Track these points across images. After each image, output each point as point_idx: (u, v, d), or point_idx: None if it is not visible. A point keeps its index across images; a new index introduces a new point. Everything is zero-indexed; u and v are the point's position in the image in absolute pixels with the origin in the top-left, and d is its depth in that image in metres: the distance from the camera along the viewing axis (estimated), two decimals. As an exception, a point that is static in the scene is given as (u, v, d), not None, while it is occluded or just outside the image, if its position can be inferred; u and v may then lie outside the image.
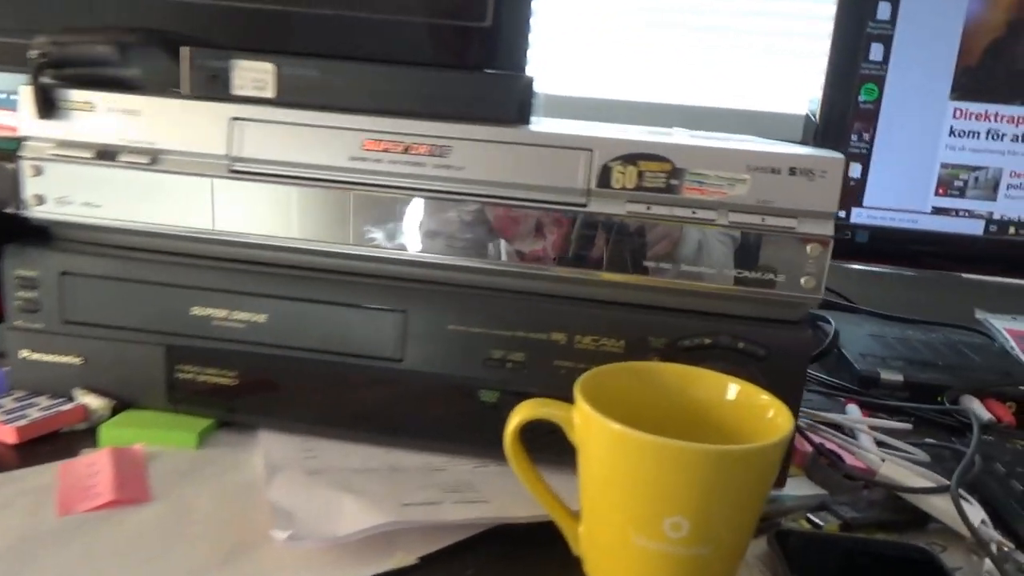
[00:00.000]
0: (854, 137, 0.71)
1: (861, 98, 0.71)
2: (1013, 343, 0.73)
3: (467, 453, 0.46)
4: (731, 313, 0.44)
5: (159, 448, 0.45)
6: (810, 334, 0.44)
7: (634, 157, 0.43)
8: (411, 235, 0.45)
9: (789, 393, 0.43)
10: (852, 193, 0.72)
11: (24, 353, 0.48)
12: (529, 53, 0.60)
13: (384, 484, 0.42)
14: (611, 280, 0.44)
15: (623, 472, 0.33)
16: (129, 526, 0.37)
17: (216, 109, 0.45)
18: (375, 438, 0.47)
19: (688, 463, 0.32)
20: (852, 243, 0.73)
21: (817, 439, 0.49)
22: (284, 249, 0.46)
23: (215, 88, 0.45)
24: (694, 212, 0.43)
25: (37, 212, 0.47)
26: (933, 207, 0.72)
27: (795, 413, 0.44)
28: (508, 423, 0.37)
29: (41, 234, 0.49)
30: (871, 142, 0.71)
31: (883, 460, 0.47)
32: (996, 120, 0.70)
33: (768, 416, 0.37)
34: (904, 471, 0.46)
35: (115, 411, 0.48)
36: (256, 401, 0.47)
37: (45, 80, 0.46)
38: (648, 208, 0.43)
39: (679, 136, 0.46)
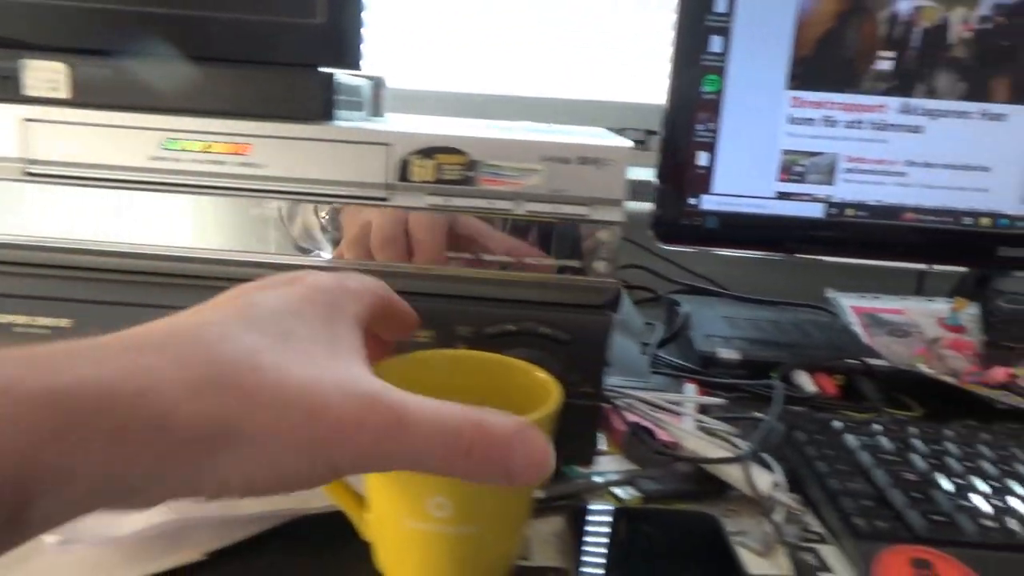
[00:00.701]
0: (700, 127, 0.74)
1: (704, 88, 0.73)
2: (855, 319, 0.77)
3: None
4: (537, 300, 0.46)
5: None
6: (610, 317, 0.45)
7: (431, 151, 0.44)
8: (214, 234, 0.45)
9: (591, 374, 0.45)
10: (701, 181, 0.75)
11: None
12: (370, 49, 0.60)
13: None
14: (415, 272, 0.45)
15: None
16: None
17: (7, 111, 0.44)
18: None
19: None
20: (704, 229, 0.76)
21: (633, 418, 0.51)
22: (85, 252, 0.45)
23: (5, 89, 0.44)
24: (491, 203, 0.44)
25: None
26: (777, 192, 0.75)
27: (598, 393, 0.46)
28: None
29: None
30: (715, 131, 0.74)
31: (689, 434, 0.49)
32: (830, 107, 0.73)
33: (545, 394, 0.38)
34: (707, 444, 0.48)
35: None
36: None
37: None
38: (447, 200, 0.44)
39: (478, 129, 0.48)
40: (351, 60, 0.59)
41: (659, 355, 0.69)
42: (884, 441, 0.50)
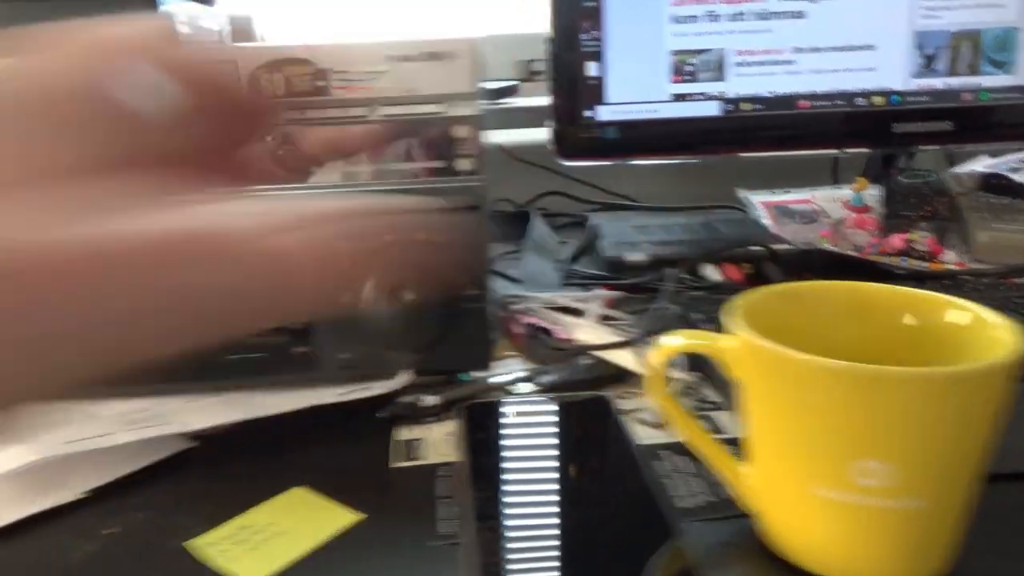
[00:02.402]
0: (584, 36, 0.73)
1: (585, -3, 0.72)
2: (763, 212, 0.78)
3: (181, 392, 0.46)
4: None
5: None
6: (485, 216, 0.45)
7: (278, 63, 0.42)
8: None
9: (475, 276, 0.45)
10: (594, 92, 0.74)
11: None
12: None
13: (62, 431, 0.40)
14: (281, 190, 0.44)
15: (802, 409, 0.28)
16: None
17: None
18: (87, 393, 0.46)
19: (890, 391, 0.26)
20: (604, 141, 0.76)
21: (531, 320, 0.51)
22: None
23: None
24: (346, 111, 0.43)
25: None
26: (671, 94, 0.75)
27: (484, 297, 0.45)
28: (651, 359, 0.32)
29: None
30: (601, 39, 0.73)
31: (585, 328, 0.49)
32: (712, 2, 0.73)
33: (987, 335, 0.29)
34: (602, 334, 0.48)
35: None
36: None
37: None
38: (303, 113, 0.43)
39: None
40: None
41: (572, 269, 0.69)
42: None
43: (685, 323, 0.50)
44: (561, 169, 0.85)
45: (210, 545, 0.32)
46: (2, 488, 0.35)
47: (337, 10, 1.00)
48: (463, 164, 0.43)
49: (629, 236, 0.73)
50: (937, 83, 0.76)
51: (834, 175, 0.92)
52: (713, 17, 0.73)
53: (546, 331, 0.51)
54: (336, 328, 0.45)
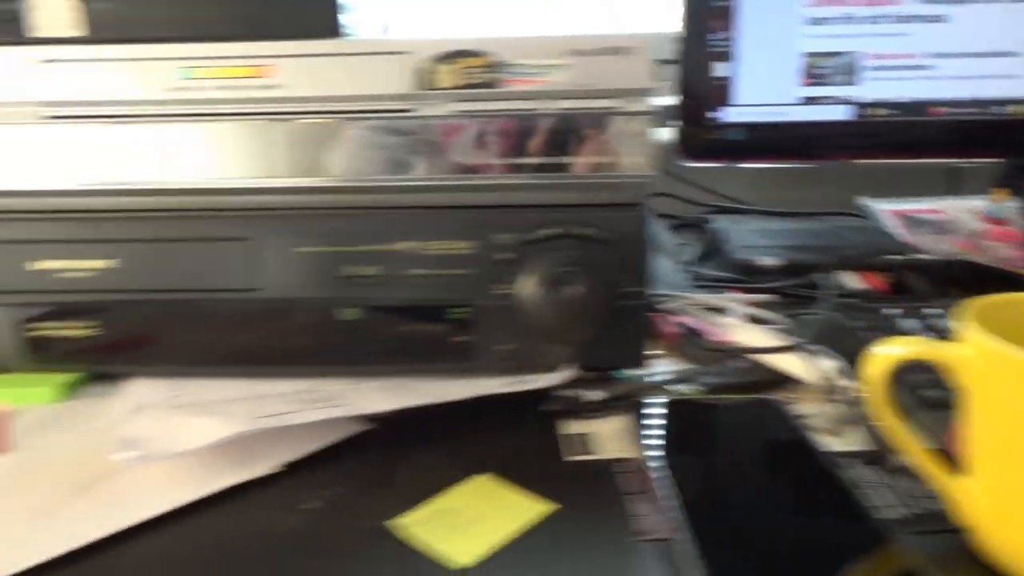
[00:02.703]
0: (715, 36, 0.72)
1: (718, -3, 0.71)
2: (893, 222, 0.76)
3: (339, 375, 0.47)
4: (572, 203, 0.45)
5: (22, 406, 0.44)
6: (645, 212, 0.44)
7: (452, 55, 0.42)
8: (243, 161, 0.44)
9: (632, 273, 0.44)
10: (721, 93, 0.73)
11: None
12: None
13: (246, 407, 0.41)
14: (447, 184, 0.44)
15: None
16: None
17: (20, 53, 0.43)
18: (247, 371, 0.47)
19: None
20: (729, 142, 0.75)
21: (683, 320, 0.51)
22: (117, 193, 0.45)
23: (12, 30, 0.44)
24: (518, 104, 0.43)
25: None
26: (801, 97, 0.73)
27: (642, 292, 0.45)
28: (873, 366, 0.32)
29: None
30: (732, 39, 0.72)
31: (743, 329, 0.48)
32: (849, 3, 0.71)
33: None
34: (761, 336, 0.47)
35: (-23, 381, 0.47)
36: (121, 350, 0.46)
37: None
38: (474, 105, 0.43)
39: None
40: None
41: (698, 271, 0.68)
42: (942, 324, 0.49)
43: (846, 332, 0.49)
44: (668, 170, 0.84)
45: (414, 525, 0.32)
46: (198, 460, 0.36)
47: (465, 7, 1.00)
48: (634, 160, 0.43)
49: (755, 240, 0.72)
50: (1083, 91, 0.72)
51: (949, 186, 0.89)
52: (849, 19, 0.71)
53: (697, 331, 0.50)
54: (496, 319, 0.45)
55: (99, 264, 0.45)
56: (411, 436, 0.40)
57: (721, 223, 0.75)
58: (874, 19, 0.72)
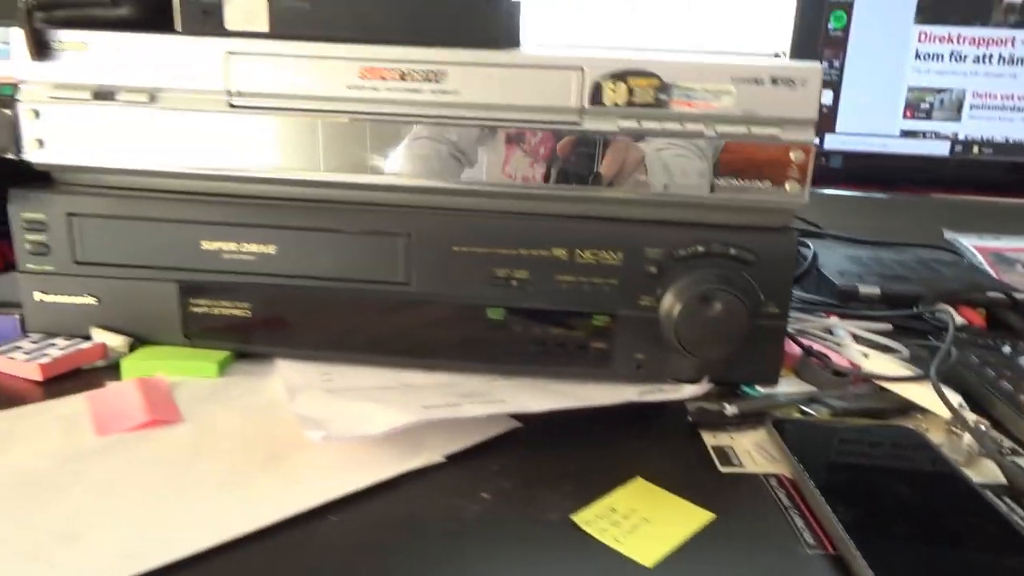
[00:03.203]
0: (825, 64, 0.73)
1: (830, 25, 0.73)
2: (981, 258, 0.77)
3: (477, 370, 0.49)
4: (720, 223, 0.46)
5: (180, 378, 0.46)
6: (794, 237, 0.46)
7: (624, 74, 0.44)
8: (411, 160, 0.46)
9: (778, 295, 0.46)
10: (825, 119, 0.75)
11: (38, 296, 0.49)
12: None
13: (402, 396, 0.44)
14: (607, 196, 0.46)
15: None
16: (166, 442, 0.39)
17: (211, 44, 0.45)
18: (388, 361, 0.49)
19: None
20: (827, 168, 0.76)
21: (806, 342, 0.52)
22: (290, 182, 0.47)
23: (208, 24, 0.46)
24: (683, 125, 0.45)
25: (38, 156, 0.48)
26: (901, 130, 0.75)
27: (784, 316, 0.47)
28: None
29: (45, 178, 0.49)
30: (841, 68, 0.73)
31: (867, 356, 0.50)
32: (958, 42, 0.73)
33: None
34: (887, 364, 0.49)
35: (131, 348, 0.49)
36: (270, 331, 0.49)
37: (37, 23, 0.46)
38: (639, 123, 0.45)
39: (665, 53, 0.48)
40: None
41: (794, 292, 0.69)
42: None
43: (965, 367, 0.50)
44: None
45: (591, 522, 0.34)
46: (365, 447, 0.38)
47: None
48: (792, 187, 0.45)
49: (846, 266, 0.73)
50: None
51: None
52: (958, 57, 0.73)
53: (818, 354, 0.52)
54: (636, 330, 0.47)
55: (261, 248, 0.47)
56: (559, 437, 0.42)
57: (811, 246, 0.77)
58: (983, 59, 0.73)
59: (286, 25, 0.46)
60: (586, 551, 0.33)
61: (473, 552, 0.32)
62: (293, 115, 0.46)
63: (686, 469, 0.40)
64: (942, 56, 0.73)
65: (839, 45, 0.73)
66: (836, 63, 0.73)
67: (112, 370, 0.47)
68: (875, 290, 0.66)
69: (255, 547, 0.32)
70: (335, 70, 0.45)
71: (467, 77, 0.45)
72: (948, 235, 0.83)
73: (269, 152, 0.46)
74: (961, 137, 0.75)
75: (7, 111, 0.48)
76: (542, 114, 0.45)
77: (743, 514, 0.36)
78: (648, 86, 0.44)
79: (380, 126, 0.46)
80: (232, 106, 0.46)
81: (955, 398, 0.46)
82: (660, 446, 0.42)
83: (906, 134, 0.75)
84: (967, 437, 0.43)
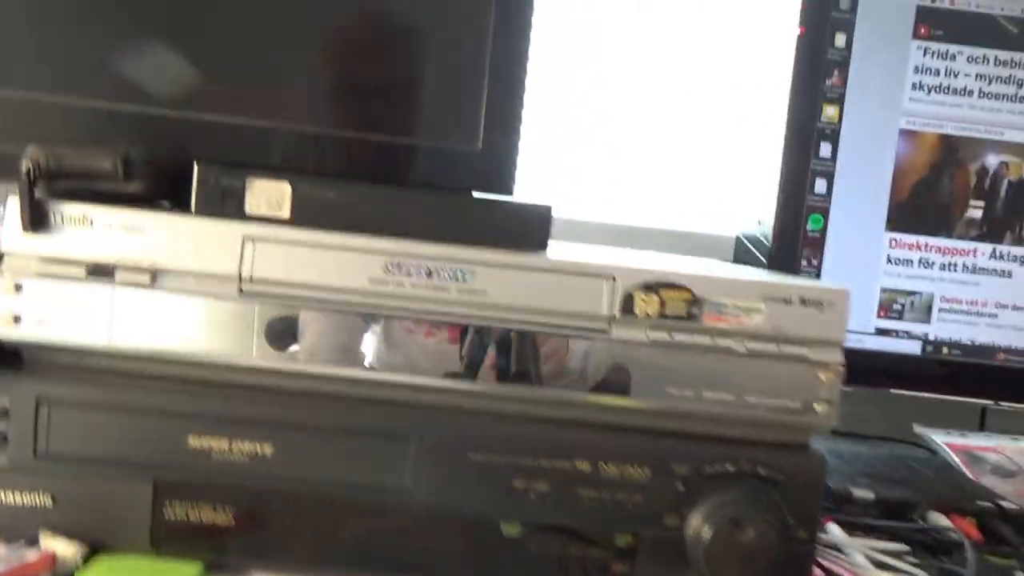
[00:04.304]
0: (804, 263, 0.76)
1: (809, 227, 0.76)
2: (954, 456, 0.78)
3: (482, 591, 0.44)
4: (745, 439, 0.45)
5: (146, 599, 0.40)
6: (823, 458, 0.45)
7: (656, 285, 0.44)
8: (423, 357, 0.44)
9: (807, 517, 0.44)
10: (804, 314, 0.76)
11: (-18, 492, 0.43)
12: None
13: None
14: (633, 407, 0.44)
15: None
16: None
17: (228, 227, 0.43)
18: (381, 577, 0.44)
19: None
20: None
21: (827, 564, 0.50)
22: (295, 375, 0.43)
23: (227, 206, 0.44)
24: (714, 340, 0.44)
25: (11, 333, 0.43)
26: (876, 328, 0.77)
27: (813, 539, 0.44)
28: None
29: (10, 357, 0.44)
30: (819, 268, 0.76)
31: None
32: (926, 250, 0.77)
33: None
34: (912, 592, 0.47)
35: (85, 558, 0.42)
36: (251, 540, 0.43)
37: (38, 192, 0.43)
38: (671, 336, 0.44)
39: (692, 266, 0.48)
40: (506, 187, 0.60)
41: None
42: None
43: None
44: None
45: None
46: None
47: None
48: (821, 408, 0.44)
49: (833, 461, 0.72)
50: None
51: (982, 420, 0.93)
52: (926, 264, 0.77)
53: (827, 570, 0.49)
54: (661, 551, 0.44)
55: (256, 447, 0.43)
56: None
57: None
58: (948, 266, 0.77)
59: (309, 213, 0.44)
60: None
61: None
62: (310, 306, 0.43)
63: None
64: (912, 262, 0.77)
65: (817, 246, 0.76)
66: (815, 261, 0.76)
67: (64, 585, 0.40)
68: (869, 495, 0.65)
69: None
70: (358, 262, 0.43)
71: (497, 278, 0.43)
72: (918, 429, 0.85)
73: (277, 343, 0.43)
74: (931, 338, 0.77)
75: (-20, 282, 0.43)
76: (572, 319, 0.44)
77: None
78: (680, 299, 0.44)
79: (402, 322, 0.43)
80: (244, 292, 0.43)
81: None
82: None
83: (881, 332, 0.77)
84: None
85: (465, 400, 0.44)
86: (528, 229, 0.45)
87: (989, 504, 0.64)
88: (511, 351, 0.44)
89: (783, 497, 0.44)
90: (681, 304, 0.44)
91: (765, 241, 0.78)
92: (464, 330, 0.44)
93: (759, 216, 0.85)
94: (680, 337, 0.44)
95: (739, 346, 0.44)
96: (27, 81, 0.51)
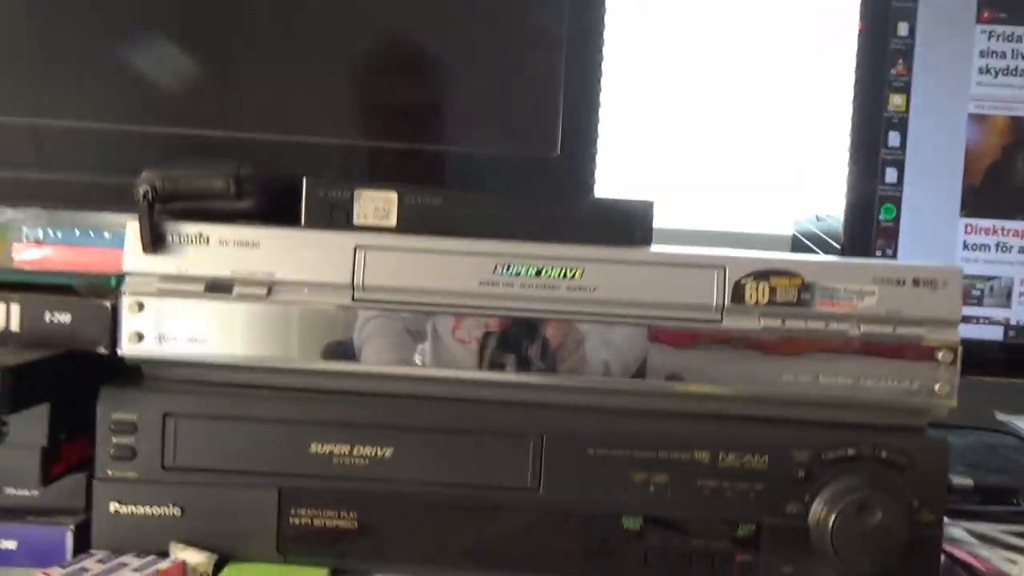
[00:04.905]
0: (878, 253, 0.75)
1: (881, 217, 0.76)
2: (1042, 442, 0.76)
3: (606, 588, 0.44)
4: (864, 423, 0.44)
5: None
6: (947, 440, 0.44)
7: (766, 273, 0.44)
8: (547, 358, 0.44)
9: (932, 500, 0.43)
10: (882, 305, 0.76)
11: (114, 507, 0.43)
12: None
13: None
14: (751, 396, 0.44)
15: None
16: None
17: (338, 238, 0.44)
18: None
19: None
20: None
21: (950, 549, 0.49)
22: (417, 379, 0.44)
23: (335, 218, 0.45)
24: (827, 325, 0.44)
25: (135, 351, 0.44)
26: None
27: (940, 524, 0.44)
28: None
29: (133, 374, 0.45)
30: (894, 257, 0.75)
31: (1015, 563, 0.47)
32: (1003, 234, 0.76)
33: None
34: (1042, 575, 0.46)
35: (215, 568, 0.43)
36: (375, 543, 0.44)
37: (156, 216, 0.44)
38: (782, 322, 0.44)
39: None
40: (585, 186, 0.61)
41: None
42: None
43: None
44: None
45: None
46: None
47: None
48: (940, 388, 0.44)
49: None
50: None
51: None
52: (1005, 248, 0.76)
53: (963, 562, 0.48)
54: (784, 540, 0.43)
55: (377, 450, 0.43)
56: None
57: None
58: (1025, 249, 0.76)
59: (415, 222, 0.45)
60: None
61: None
62: (423, 310, 0.44)
63: None
64: (989, 247, 0.76)
65: (891, 235, 0.75)
66: (889, 252, 0.75)
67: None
68: (968, 482, 0.64)
69: None
70: (468, 265, 0.44)
71: (605, 274, 0.44)
72: (1001, 416, 0.83)
73: (394, 349, 0.44)
74: (1013, 322, 0.76)
75: (105, 302, 0.45)
76: (682, 311, 0.44)
77: None
78: (791, 285, 0.44)
79: (516, 322, 0.44)
80: (358, 300, 0.43)
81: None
82: None
83: (962, 319, 0.76)
84: None
85: (586, 398, 0.44)
86: (632, 225, 0.46)
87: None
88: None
89: (906, 481, 0.43)
90: (792, 290, 0.44)
91: (825, 236, 0.78)
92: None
93: (816, 211, 0.85)
94: (792, 323, 0.44)
95: (853, 329, 0.44)
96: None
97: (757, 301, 0.44)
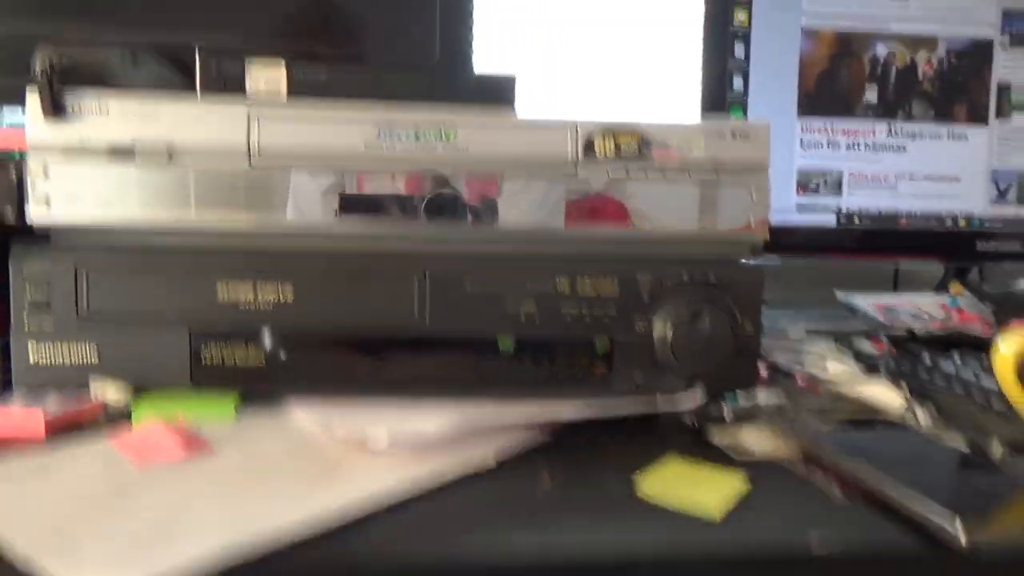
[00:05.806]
0: (730, 151, 0.85)
1: (731, 117, 0.85)
2: (874, 312, 0.89)
3: (487, 402, 0.51)
4: (695, 257, 0.53)
5: (200, 421, 0.45)
6: (761, 268, 0.53)
7: (611, 130, 0.51)
8: (426, 210, 0.50)
9: (751, 314, 0.53)
10: (734, 198, 0.86)
11: (33, 358, 0.47)
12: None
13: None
14: (603, 236, 0.52)
15: None
16: (213, 469, 0.39)
17: (233, 106, 0.48)
18: (401, 398, 0.50)
19: None
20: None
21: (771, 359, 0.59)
22: (312, 235, 0.49)
23: (229, 88, 0.49)
24: (664, 173, 0.52)
25: (43, 217, 0.47)
26: (796, 204, 0.87)
27: (758, 333, 0.53)
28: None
29: (40, 241, 0.49)
30: (743, 154, 0.86)
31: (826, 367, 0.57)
32: (832, 132, 0.87)
33: None
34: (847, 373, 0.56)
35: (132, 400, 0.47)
36: (281, 375, 0.49)
37: (55, 85, 0.47)
38: (627, 172, 0.52)
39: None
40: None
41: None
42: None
43: (910, 375, 0.58)
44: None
45: (649, 486, 0.38)
46: (430, 452, 0.40)
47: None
48: (753, 220, 0.53)
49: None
50: (1009, 211, 0.90)
51: (895, 283, 1.05)
52: (834, 145, 0.87)
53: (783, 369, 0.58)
54: (633, 353, 0.52)
55: (277, 296, 0.48)
56: (585, 443, 0.45)
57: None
58: (853, 146, 0.87)
59: (303, 91, 0.50)
60: (654, 512, 0.36)
61: (546, 520, 0.35)
62: (314, 171, 0.49)
63: (706, 459, 0.44)
64: (822, 144, 0.87)
65: (739, 135, 0.85)
66: (738, 150, 0.85)
67: (118, 421, 0.45)
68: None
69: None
70: (353, 129, 0.49)
71: (476, 135, 0.50)
72: (840, 295, 0.95)
73: (289, 208, 0.49)
74: (843, 209, 0.88)
75: (10, 171, 0.48)
76: (544, 164, 0.51)
77: (773, 483, 0.41)
78: (632, 139, 0.52)
79: (398, 179, 0.50)
80: (252, 165, 0.48)
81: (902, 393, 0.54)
82: (674, 443, 0.46)
83: (801, 208, 0.87)
84: (922, 417, 0.50)
85: (464, 246, 0.51)
86: (498, 92, 0.52)
87: (902, 332, 0.75)
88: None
89: (731, 298, 0.52)
90: (633, 144, 0.52)
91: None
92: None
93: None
94: (635, 173, 0.52)
95: (683, 176, 0.52)
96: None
97: (605, 154, 0.51)
